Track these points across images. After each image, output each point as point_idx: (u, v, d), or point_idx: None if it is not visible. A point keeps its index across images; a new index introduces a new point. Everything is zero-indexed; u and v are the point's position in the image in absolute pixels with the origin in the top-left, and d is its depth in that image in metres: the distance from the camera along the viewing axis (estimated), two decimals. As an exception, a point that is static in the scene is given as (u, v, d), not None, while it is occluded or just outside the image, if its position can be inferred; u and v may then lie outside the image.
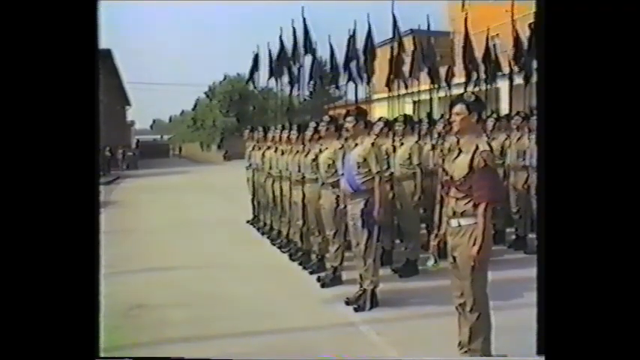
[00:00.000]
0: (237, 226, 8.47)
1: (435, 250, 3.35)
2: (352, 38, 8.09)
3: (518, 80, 8.71)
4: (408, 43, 8.22)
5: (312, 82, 9.58)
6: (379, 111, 15.14)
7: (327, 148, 4.99)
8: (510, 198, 6.28)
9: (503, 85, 10.24)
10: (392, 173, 5.42)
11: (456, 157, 3.06)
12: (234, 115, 34.64)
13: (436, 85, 8.32)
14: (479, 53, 8.67)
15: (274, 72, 9.17)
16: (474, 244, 2.92)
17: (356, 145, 4.39)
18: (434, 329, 3.83)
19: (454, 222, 3.04)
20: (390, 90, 8.09)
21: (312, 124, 5.59)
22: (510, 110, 8.37)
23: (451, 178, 3.05)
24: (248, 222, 8.40)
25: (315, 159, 5.19)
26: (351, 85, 8.49)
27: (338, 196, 4.79)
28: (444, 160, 3.30)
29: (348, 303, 4.39)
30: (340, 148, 4.84)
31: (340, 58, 8.51)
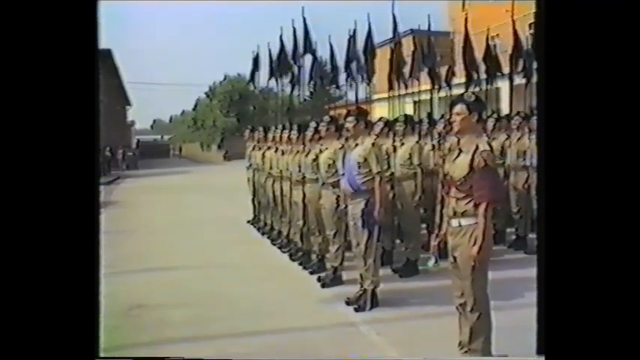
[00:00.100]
0: (238, 226, 8.48)
1: (436, 250, 3.34)
2: (352, 38, 8.09)
3: (519, 80, 8.71)
4: (408, 43, 8.21)
5: (312, 82, 9.57)
6: (379, 111, 15.13)
7: (327, 148, 4.99)
8: (511, 198, 6.28)
9: (503, 85, 10.23)
10: (392, 173, 5.42)
11: (457, 157, 3.06)
12: (234, 115, 34.66)
13: (436, 85, 8.31)
14: (479, 53, 8.67)
15: (274, 72, 9.17)
16: (475, 244, 2.92)
17: (356, 145, 4.39)
18: (434, 329, 3.83)
19: (454, 222, 3.04)
20: (390, 90, 8.08)
21: (313, 124, 5.58)
22: (511, 110, 8.36)
23: (451, 178, 3.05)
24: (248, 222, 8.40)
25: (316, 159, 5.19)
26: (352, 85, 8.49)
27: (338, 196, 4.79)
28: (444, 160, 3.29)
29: (348, 303, 4.39)
30: (341, 148, 4.84)
31: (340, 58, 8.52)
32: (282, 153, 6.27)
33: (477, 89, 8.18)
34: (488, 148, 3.03)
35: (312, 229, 5.50)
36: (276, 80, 9.25)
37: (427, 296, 4.56)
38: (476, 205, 2.94)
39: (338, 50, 8.74)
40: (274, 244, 6.83)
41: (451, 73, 8.66)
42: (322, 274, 5.17)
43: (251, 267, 6.03)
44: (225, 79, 37.21)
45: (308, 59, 8.88)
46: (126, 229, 8.63)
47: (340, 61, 8.53)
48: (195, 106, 45.50)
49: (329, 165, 4.89)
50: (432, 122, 6.40)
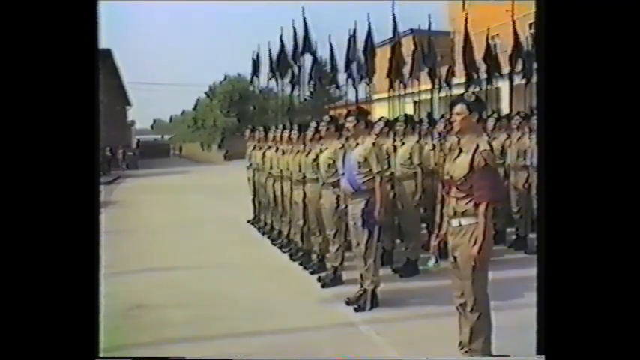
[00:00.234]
0: (238, 226, 8.47)
1: (436, 249, 3.34)
2: (352, 38, 8.09)
3: (519, 80, 8.71)
4: (408, 43, 8.22)
5: (312, 82, 9.57)
6: (380, 111, 15.12)
7: (327, 148, 4.99)
8: (511, 198, 6.28)
9: (503, 85, 10.24)
10: (393, 173, 5.42)
11: (457, 157, 3.06)
12: (234, 115, 34.65)
13: (436, 85, 8.31)
14: (479, 53, 8.67)
15: (275, 72, 9.17)
16: (475, 244, 2.92)
17: (357, 145, 4.39)
18: (434, 329, 3.82)
19: (455, 222, 3.04)
20: (390, 90, 8.08)
21: (313, 124, 5.58)
22: (511, 110, 8.36)
23: (452, 177, 3.05)
24: (248, 222, 8.40)
25: (316, 159, 5.19)
26: (352, 85, 8.49)
27: (339, 196, 4.79)
28: (444, 160, 3.30)
29: (348, 303, 4.39)
30: (341, 148, 4.84)
31: (340, 58, 8.52)
32: (283, 153, 6.27)
33: (477, 89, 8.18)
34: (488, 147, 3.03)
35: (312, 229, 5.50)
36: (276, 80, 9.25)
37: (427, 296, 4.56)
38: (476, 205, 2.93)
39: (338, 50, 8.76)
40: (274, 244, 6.83)
41: (451, 73, 8.66)
42: (322, 274, 5.17)
43: (251, 267, 6.03)
44: (225, 79, 37.21)
45: (308, 59, 8.90)
46: (126, 229, 8.63)
47: (340, 61, 8.55)
48: (196, 106, 45.49)
49: (329, 165, 4.89)
50: (433, 122, 6.40)
